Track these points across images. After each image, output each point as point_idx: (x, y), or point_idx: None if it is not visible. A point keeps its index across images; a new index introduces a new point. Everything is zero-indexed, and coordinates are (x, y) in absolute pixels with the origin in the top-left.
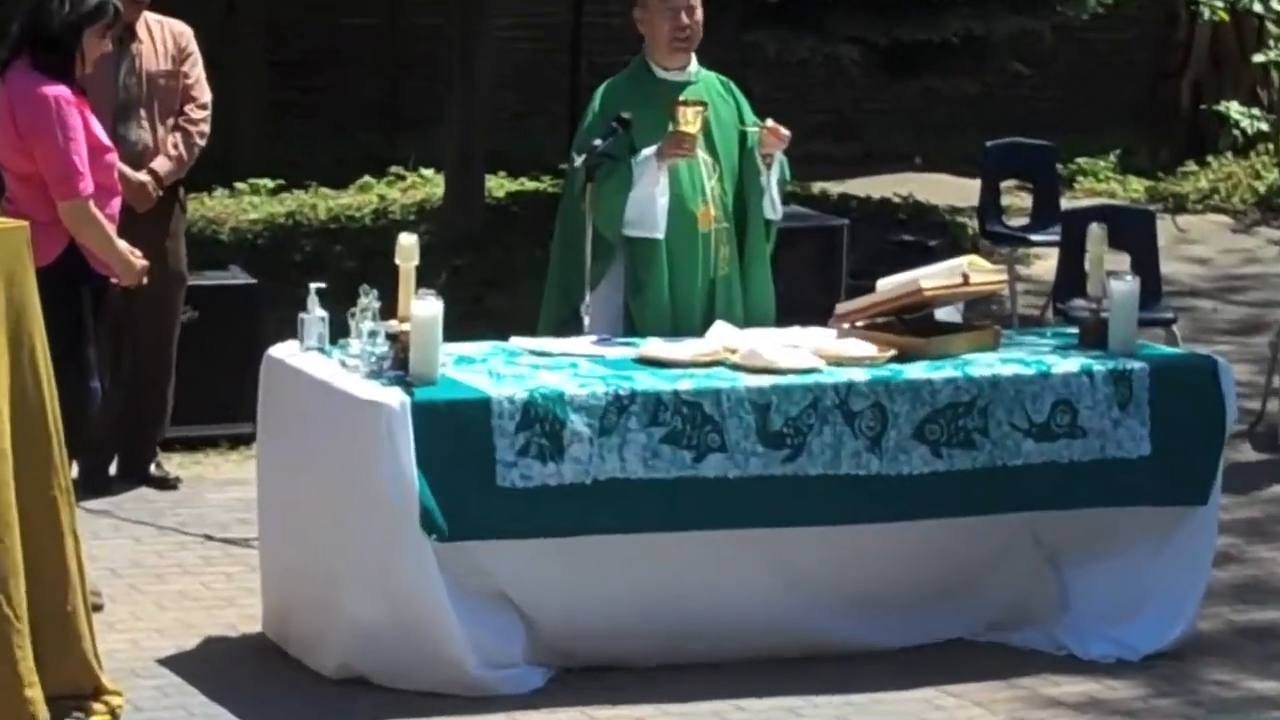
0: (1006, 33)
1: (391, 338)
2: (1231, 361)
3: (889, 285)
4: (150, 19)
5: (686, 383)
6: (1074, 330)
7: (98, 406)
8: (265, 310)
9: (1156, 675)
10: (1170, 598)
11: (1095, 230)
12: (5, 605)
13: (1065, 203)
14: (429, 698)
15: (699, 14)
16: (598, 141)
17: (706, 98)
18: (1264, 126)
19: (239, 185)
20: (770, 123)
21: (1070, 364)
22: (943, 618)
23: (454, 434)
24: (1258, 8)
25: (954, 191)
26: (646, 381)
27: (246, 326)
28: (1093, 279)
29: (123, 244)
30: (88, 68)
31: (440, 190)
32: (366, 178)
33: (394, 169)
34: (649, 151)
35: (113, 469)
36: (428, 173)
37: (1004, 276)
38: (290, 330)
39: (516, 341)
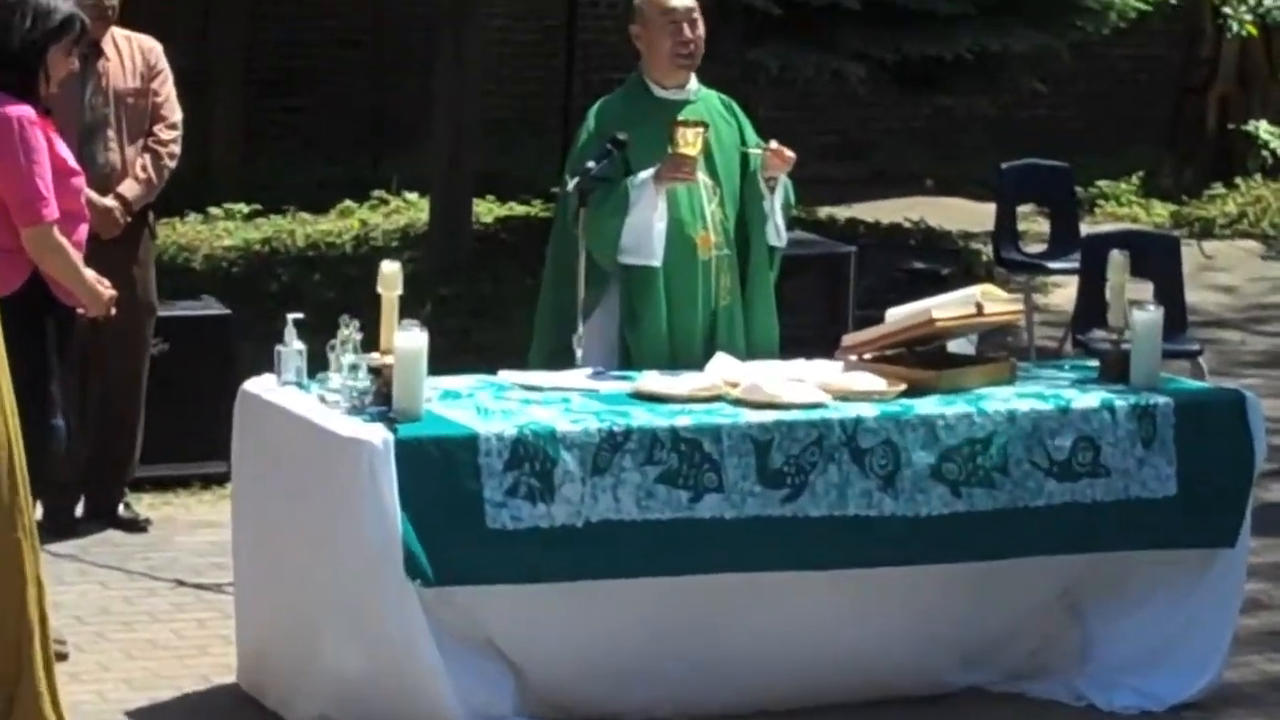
0: (1022, 49)
1: (374, 371)
2: (1260, 396)
3: (899, 315)
4: (118, 34)
5: (685, 419)
6: (1094, 363)
7: (63, 445)
8: (240, 342)
9: None
10: (1196, 646)
11: (1117, 257)
12: None
13: (1085, 228)
14: None
15: (701, 28)
16: (591, 164)
17: (707, 117)
18: None
19: (213, 210)
20: (774, 144)
21: (1090, 399)
22: (957, 666)
23: (439, 473)
24: None
25: (967, 216)
26: (642, 418)
27: (220, 359)
28: (1114, 309)
29: (90, 273)
30: (52, 87)
31: (425, 215)
32: (347, 202)
33: (376, 193)
34: (646, 174)
35: (79, 510)
36: (412, 196)
37: (1020, 306)
38: (266, 363)
39: (505, 375)
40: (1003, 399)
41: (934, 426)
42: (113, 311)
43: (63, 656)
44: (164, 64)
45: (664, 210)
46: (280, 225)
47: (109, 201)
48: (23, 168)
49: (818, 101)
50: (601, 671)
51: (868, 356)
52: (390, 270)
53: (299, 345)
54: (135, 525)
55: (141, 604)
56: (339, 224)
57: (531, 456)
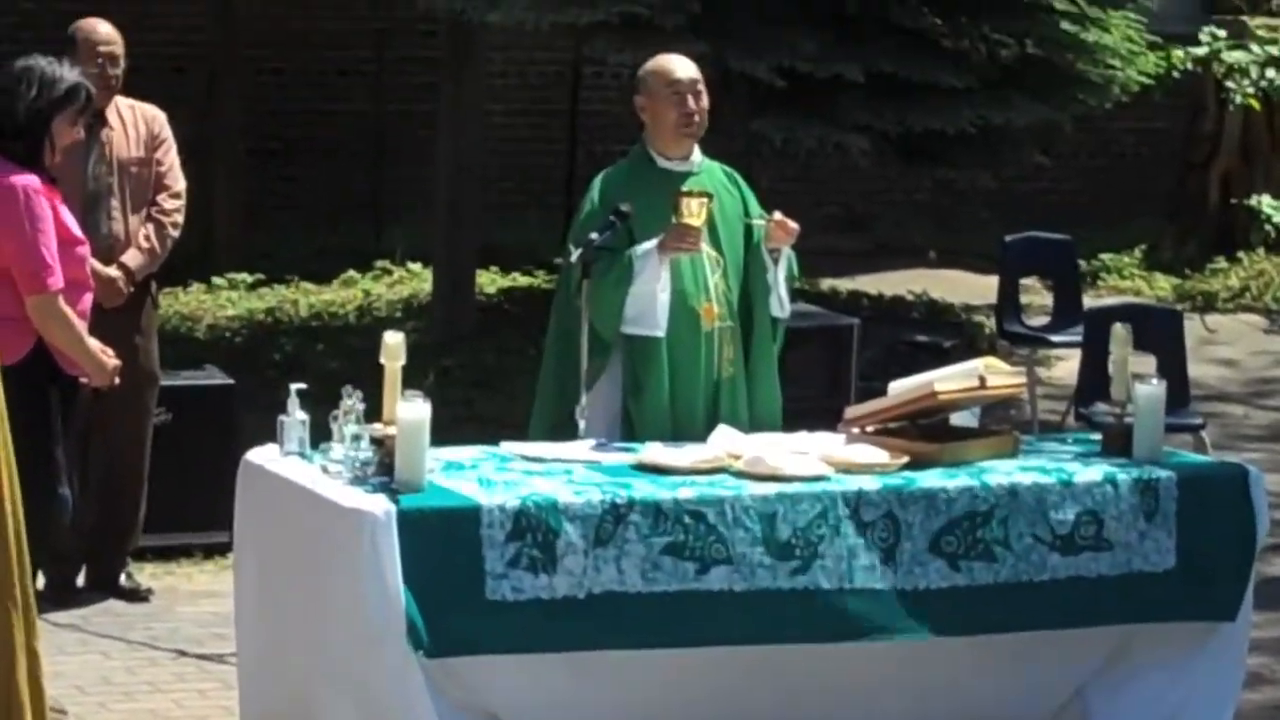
0: (1025, 122)
1: (376, 442)
2: (1263, 470)
3: (901, 388)
4: (121, 104)
5: (688, 491)
6: (1097, 437)
7: (68, 514)
8: (243, 412)
9: None
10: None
11: (1119, 331)
12: None
13: (1088, 301)
14: None
15: (705, 100)
16: (595, 235)
17: (711, 189)
18: None
19: (216, 280)
20: (778, 215)
21: (1093, 472)
22: None
23: (441, 544)
24: None
25: (970, 289)
26: (645, 489)
27: (223, 429)
28: (1117, 382)
29: (94, 342)
30: (57, 156)
31: (428, 285)
32: (350, 272)
33: (379, 263)
34: (650, 245)
35: (80, 579)
36: (415, 267)
37: (1023, 379)
38: (269, 434)
39: (508, 446)
40: (1005, 472)
41: (935, 499)
42: (117, 381)
43: None
44: (168, 133)
45: (668, 281)
46: (283, 295)
47: (112, 271)
48: (28, 237)
49: (820, 174)
50: None
51: (870, 429)
52: (393, 341)
53: (302, 415)
54: (137, 595)
55: (143, 674)
56: (342, 294)
57: (534, 528)
